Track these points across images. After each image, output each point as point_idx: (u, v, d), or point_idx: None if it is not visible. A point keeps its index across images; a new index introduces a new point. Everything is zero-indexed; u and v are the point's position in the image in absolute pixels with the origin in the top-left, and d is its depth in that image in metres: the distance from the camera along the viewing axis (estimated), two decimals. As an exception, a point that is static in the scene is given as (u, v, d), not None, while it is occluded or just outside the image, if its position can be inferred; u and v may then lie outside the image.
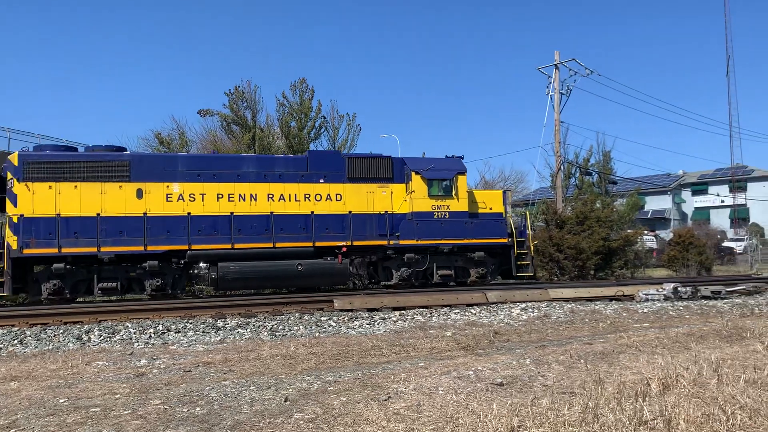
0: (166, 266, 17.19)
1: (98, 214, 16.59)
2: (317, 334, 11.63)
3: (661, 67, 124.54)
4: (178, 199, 17.30)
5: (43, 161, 16.61)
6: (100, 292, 16.67)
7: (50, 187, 16.47)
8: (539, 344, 9.63)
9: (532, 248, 20.52)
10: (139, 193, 17.01)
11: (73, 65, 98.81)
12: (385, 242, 18.83)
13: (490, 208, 20.16)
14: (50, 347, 10.74)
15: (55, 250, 16.23)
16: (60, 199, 16.47)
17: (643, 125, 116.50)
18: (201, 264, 17.28)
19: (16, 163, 16.54)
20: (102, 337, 11.50)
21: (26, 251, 16.14)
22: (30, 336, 11.60)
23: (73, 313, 13.76)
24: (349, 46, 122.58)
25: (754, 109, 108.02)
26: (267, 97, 68.81)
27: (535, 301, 15.68)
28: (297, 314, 13.86)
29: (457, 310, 14.50)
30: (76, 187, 16.60)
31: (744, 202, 62.98)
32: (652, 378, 6.05)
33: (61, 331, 12.05)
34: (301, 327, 12.38)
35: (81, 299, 17.24)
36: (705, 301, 15.80)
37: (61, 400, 6.52)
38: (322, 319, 13.29)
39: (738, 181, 63.71)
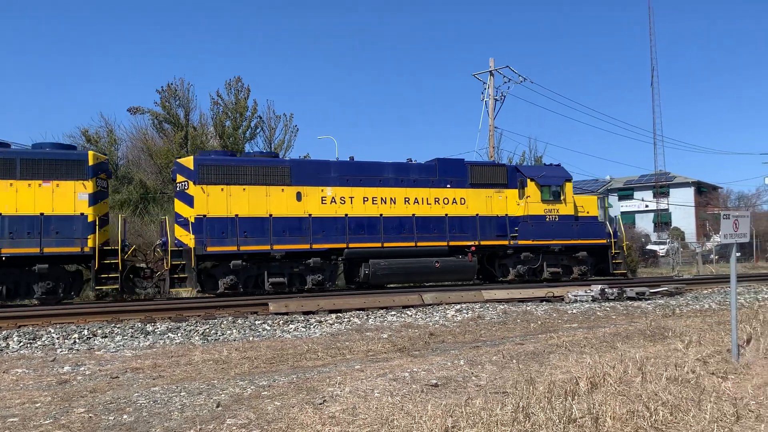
0: (325, 263, 18.76)
1: (270, 215, 18.10)
2: (251, 338, 11.43)
3: (592, 78, 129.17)
4: (331, 201, 18.99)
5: (216, 165, 17.93)
6: (271, 286, 18.02)
7: (222, 189, 17.76)
8: (473, 345, 9.77)
9: (624, 248, 23.05)
10: (299, 196, 18.60)
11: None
12: (506, 242, 20.83)
13: (588, 212, 22.38)
14: (-36, 355, 10.14)
15: (234, 248, 17.58)
16: (231, 200, 17.79)
17: (574, 132, 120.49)
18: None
19: (191, 167, 17.71)
20: (21, 343, 10.92)
21: (210, 249, 17.37)
22: (-58, 343, 10.91)
23: (-10, 319, 13.04)
24: (287, 48, 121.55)
25: (676, 118, 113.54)
26: (201, 96, 67.31)
27: (469, 303, 15.91)
28: (230, 318, 13.58)
29: (393, 312, 14.55)
30: (244, 189, 17.99)
31: (666, 207, 65.94)
32: (581, 377, 6.22)
33: (-24, 337, 11.39)
34: (234, 331, 12.14)
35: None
36: (630, 302, 16.40)
37: (-25, 411, 6.15)
38: (257, 322, 13.08)
39: (661, 187, 66.66)
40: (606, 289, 16.98)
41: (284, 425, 5.27)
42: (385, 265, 19.04)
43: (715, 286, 20.34)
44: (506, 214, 20.91)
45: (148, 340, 11.31)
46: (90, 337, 11.48)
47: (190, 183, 17.64)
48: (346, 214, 18.99)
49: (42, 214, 16.00)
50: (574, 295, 16.86)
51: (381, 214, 19.39)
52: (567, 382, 6.12)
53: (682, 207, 63.29)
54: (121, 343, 11.01)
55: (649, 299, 17.06)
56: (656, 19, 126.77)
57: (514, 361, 7.72)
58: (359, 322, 13.21)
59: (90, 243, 16.27)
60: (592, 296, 16.70)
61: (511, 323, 12.91)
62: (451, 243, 20.03)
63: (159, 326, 12.48)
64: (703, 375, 6.32)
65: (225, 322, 12.99)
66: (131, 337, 11.57)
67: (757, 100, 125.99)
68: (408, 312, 14.62)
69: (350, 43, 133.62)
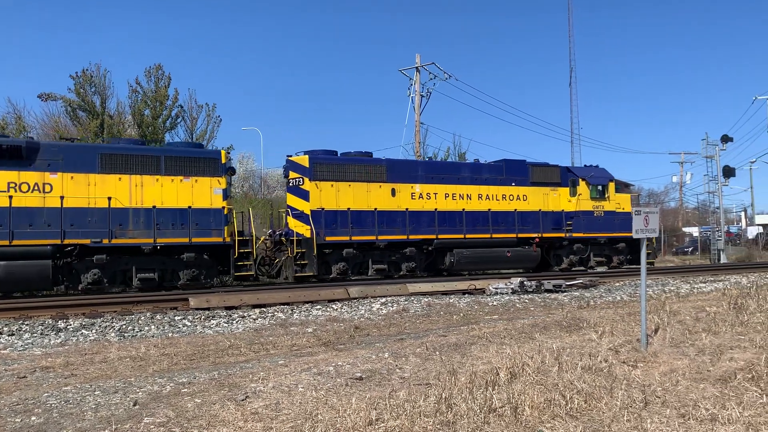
0: (418, 252, 21.25)
1: (375, 209, 20.44)
2: (171, 334, 11.10)
3: (516, 77, 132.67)
4: (419, 197, 21.37)
5: (328, 163, 20.20)
6: (375, 272, 20.44)
7: (332, 185, 20.02)
8: (398, 338, 9.85)
9: (654, 241, 26.69)
10: (393, 192, 20.97)
11: None
12: (562, 234, 23.84)
13: (623, 208, 25.24)
14: None
15: (347, 238, 19.89)
16: (339, 195, 20.01)
17: (496, 129, 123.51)
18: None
19: (306, 165, 19.88)
20: None
21: (327, 238, 19.53)
22: None
23: None
24: (212, 39, 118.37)
25: (592, 117, 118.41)
26: (118, 83, 64.11)
27: (394, 296, 16.03)
28: (149, 314, 13.13)
29: (318, 306, 14.47)
30: (350, 186, 20.30)
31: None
32: (501, 367, 6.38)
33: None
34: (153, 327, 11.76)
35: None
36: (548, 294, 16.97)
37: None
38: (176, 318, 12.71)
39: (577, 184, 69.19)
40: (525, 282, 17.49)
41: (205, 422, 5.14)
42: (468, 254, 21.58)
43: (627, 278, 21.31)
44: (562, 210, 23.91)
45: (60, 337, 10.80)
46: (-5, 336, 10.84)
47: (306, 179, 19.81)
48: (436, 209, 21.49)
49: (190, 207, 17.66)
50: (495, 288, 17.28)
51: (463, 209, 21.99)
52: (488, 373, 6.26)
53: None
54: (29, 341, 10.45)
55: (565, 291, 17.70)
56: (575, 22, 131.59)
57: (437, 353, 7.83)
58: (284, 317, 13.07)
59: (225, 233, 18.07)
60: (512, 289, 17.17)
61: (435, 316, 13.11)
62: (519, 235, 22.84)
63: (72, 323, 11.93)
64: (615, 364, 6.61)
65: (143, 318, 12.56)
66: (41, 334, 11.02)
67: (666, 102, 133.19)
68: (334, 306, 14.58)
69: (277, 37, 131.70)
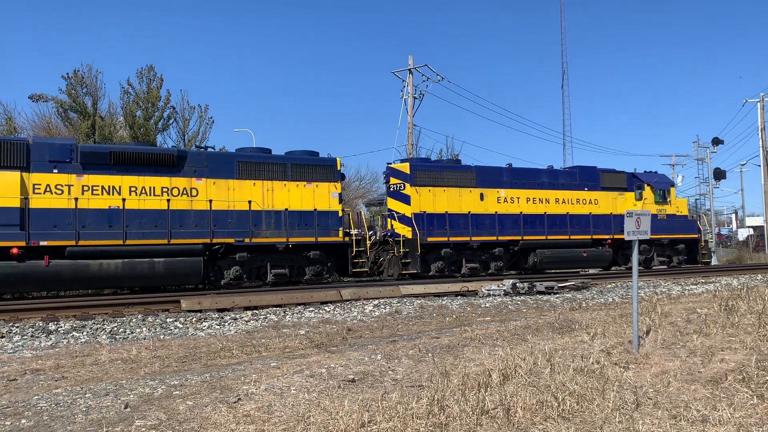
0: (504, 252, 22.87)
1: (469, 212, 22.11)
2: (162, 337, 11.05)
3: (509, 79, 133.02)
4: (504, 201, 23.00)
5: (425, 170, 22.10)
6: (467, 270, 22.09)
7: (429, 190, 21.74)
8: (390, 339, 9.84)
9: (710, 242, 29.06)
10: (482, 196, 22.63)
11: None
12: None
13: (681, 211, 27.38)
14: None
15: (445, 239, 21.57)
16: (435, 199, 21.77)
17: (489, 131, 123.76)
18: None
19: (407, 171, 21.73)
20: None
21: (429, 239, 21.19)
22: None
23: None
24: (204, 40, 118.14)
25: (584, 118, 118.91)
26: (110, 84, 63.54)
27: (387, 298, 16.02)
28: (140, 316, 13.08)
29: (311, 308, 14.45)
30: (444, 191, 22.02)
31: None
32: (494, 369, 6.38)
33: None
34: (144, 329, 11.71)
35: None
36: (540, 296, 17.01)
37: None
38: (168, 320, 12.65)
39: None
40: (517, 284, 17.52)
41: (197, 425, 5.12)
42: (549, 254, 23.24)
43: (618, 280, 21.37)
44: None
45: (51, 339, 10.73)
46: (-16, 338, 10.75)
47: (407, 185, 21.50)
48: (521, 212, 23.11)
49: (315, 209, 19.46)
50: (488, 290, 17.31)
51: (545, 212, 23.65)
52: (480, 375, 6.27)
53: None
54: (20, 344, 10.38)
55: (557, 293, 17.74)
56: (567, 25, 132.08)
57: (430, 354, 7.83)
58: (276, 319, 13.04)
59: (340, 234, 19.79)
60: (504, 290, 17.20)
61: (428, 317, 13.11)
62: (594, 237, 24.57)
63: (62, 325, 11.85)
64: (607, 365, 6.63)
65: (134, 320, 12.51)
66: (32, 336, 10.94)
67: (657, 104, 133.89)
68: (326, 308, 14.56)
69: (269, 38, 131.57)
